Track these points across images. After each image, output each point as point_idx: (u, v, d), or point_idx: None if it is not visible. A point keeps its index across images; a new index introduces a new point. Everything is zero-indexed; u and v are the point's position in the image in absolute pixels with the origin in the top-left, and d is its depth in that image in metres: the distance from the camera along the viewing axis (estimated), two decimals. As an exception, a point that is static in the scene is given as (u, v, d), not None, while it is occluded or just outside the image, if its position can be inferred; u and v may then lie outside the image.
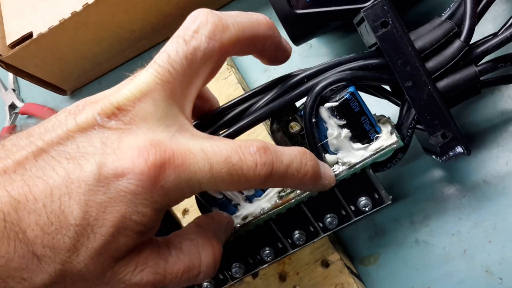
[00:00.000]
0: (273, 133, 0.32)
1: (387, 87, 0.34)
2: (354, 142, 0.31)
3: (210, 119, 0.33)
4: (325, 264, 0.36)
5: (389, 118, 0.33)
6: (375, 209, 0.33)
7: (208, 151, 0.25)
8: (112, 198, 0.23)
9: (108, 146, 0.24)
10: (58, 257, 0.23)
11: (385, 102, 0.36)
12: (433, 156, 0.33)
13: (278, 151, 0.27)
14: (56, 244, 0.23)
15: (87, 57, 0.53)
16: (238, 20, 0.28)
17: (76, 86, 0.58)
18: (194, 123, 0.33)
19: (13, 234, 0.23)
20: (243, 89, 0.44)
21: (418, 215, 0.36)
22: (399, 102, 0.33)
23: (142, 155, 0.24)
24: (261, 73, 0.47)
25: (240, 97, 0.33)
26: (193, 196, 0.41)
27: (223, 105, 0.33)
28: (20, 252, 0.23)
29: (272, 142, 0.40)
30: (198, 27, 0.27)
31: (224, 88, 0.45)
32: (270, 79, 0.33)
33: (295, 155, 0.28)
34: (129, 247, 0.25)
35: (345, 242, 0.38)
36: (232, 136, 0.32)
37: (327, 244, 0.36)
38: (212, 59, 0.27)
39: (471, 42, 0.31)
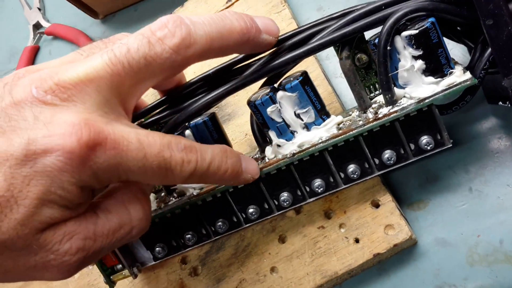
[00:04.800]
0: (342, 60, 0.34)
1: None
2: (426, 75, 0.32)
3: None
4: (375, 205, 0.38)
5: (457, 61, 0.35)
6: (435, 151, 0.34)
7: (143, 142, 0.28)
8: (38, 172, 0.25)
9: (40, 121, 0.26)
10: None
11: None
12: (501, 103, 0.35)
13: (202, 150, 0.31)
14: None
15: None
16: (207, 30, 0.29)
17: (110, 10, 0.58)
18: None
19: None
20: (297, 25, 0.45)
21: (474, 164, 0.38)
22: (472, 45, 0.34)
23: (75, 133, 0.25)
24: (314, 11, 0.48)
25: (311, 23, 0.34)
26: (236, 129, 0.43)
27: (291, 30, 0.34)
28: None
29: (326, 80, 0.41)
30: (164, 36, 0.28)
31: (277, 22, 0.46)
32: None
33: (217, 154, 0.31)
34: (55, 220, 0.26)
35: (395, 186, 0.40)
36: (301, 57, 0.33)
37: (378, 185, 0.38)
38: (170, 69, 0.29)
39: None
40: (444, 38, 0.33)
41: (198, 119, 0.36)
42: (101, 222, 0.29)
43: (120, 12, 0.58)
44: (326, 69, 0.44)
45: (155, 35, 0.28)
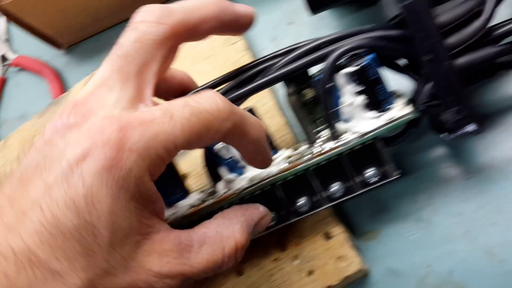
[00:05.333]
0: (288, 96, 0.34)
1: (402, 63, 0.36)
2: (367, 111, 0.33)
3: (219, 82, 0.34)
4: (327, 236, 0.38)
5: (401, 94, 0.35)
6: (382, 182, 0.34)
7: (166, 107, 0.27)
8: (91, 186, 0.24)
9: (70, 143, 0.25)
10: (77, 264, 0.24)
11: (394, 81, 0.38)
12: (442, 135, 0.35)
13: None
14: (69, 253, 0.24)
15: (88, 10, 0.53)
16: (182, 4, 0.30)
17: (73, 41, 0.58)
18: None
19: (26, 260, 0.24)
20: (252, 55, 0.45)
21: (422, 194, 0.38)
22: (416, 77, 0.34)
23: (97, 130, 0.25)
24: (268, 42, 0.48)
25: (255, 61, 0.34)
26: (194, 160, 0.43)
27: (235, 69, 0.34)
28: (40, 276, 0.24)
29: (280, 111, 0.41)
30: (145, 17, 0.29)
31: (231, 54, 0.46)
32: (278, 48, 0.34)
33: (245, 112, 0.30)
34: (138, 224, 0.25)
35: (347, 216, 0.40)
36: (246, 95, 0.33)
37: (330, 217, 0.38)
38: (164, 42, 0.29)
39: (492, 23, 0.32)
40: (387, 70, 0.33)
41: None
42: (195, 252, 0.28)
43: (83, 42, 0.59)
44: (281, 100, 0.44)
45: (137, 20, 0.29)
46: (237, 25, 0.32)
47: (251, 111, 0.33)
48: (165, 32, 0.29)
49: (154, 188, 0.27)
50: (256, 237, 0.36)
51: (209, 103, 0.27)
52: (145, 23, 0.29)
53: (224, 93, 0.33)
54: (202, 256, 0.28)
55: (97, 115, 0.26)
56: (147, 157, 0.25)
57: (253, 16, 0.32)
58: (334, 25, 0.46)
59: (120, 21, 0.57)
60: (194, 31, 0.30)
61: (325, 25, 0.47)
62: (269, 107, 0.42)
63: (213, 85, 0.34)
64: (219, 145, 0.34)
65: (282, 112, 0.43)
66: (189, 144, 0.27)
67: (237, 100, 0.33)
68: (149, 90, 0.29)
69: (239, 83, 0.34)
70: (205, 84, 0.34)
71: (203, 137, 0.27)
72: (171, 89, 0.35)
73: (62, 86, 0.58)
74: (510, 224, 0.35)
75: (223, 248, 0.29)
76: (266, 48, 0.48)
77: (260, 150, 0.30)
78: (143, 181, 0.25)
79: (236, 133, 0.28)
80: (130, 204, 0.25)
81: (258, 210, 0.33)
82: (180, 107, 0.26)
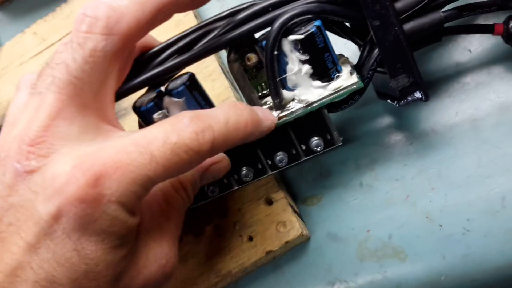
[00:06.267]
0: (229, 63, 0.32)
1: (349, 26, 0.34)
2: (314, 79, 0.31)
3: (160, 49, 0.31)
4: (269, 202, 0.37)
5: (347, 58, 0.33)
6: (326, 150, 0.33)
7: (142, 142, 0.24)
8: (78, 238, 0.23)
9: (37, 192, 0.23)
10: None
11: (341, 44, 0.36)
12: (388, 101, 0.34)
13: (211, 113, 0.27)
14: None
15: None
16: None
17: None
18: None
19: None
20: (195, 17, 0.42)
21: (365, 159, 0.37)
22: (361, 43, 0.33)
23: (69, 182, 0.23)
24: (214, 1, 0.45)
25: (197, 25, 0.31)
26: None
27: (176, 35, 0.31)
28: None
29: (224, 74, 0.39)
30: (89, 27, 0.25)
31: (175, 15, 0.43)
32: (224, 8, 0.32)
33: (228, 110, 0.28)
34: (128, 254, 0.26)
35: (289, 182, 0.39)
36: (185, 64, 0.30)
37: (272, 182, 0.37)
38: (117, 54, 0.26)
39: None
40: (332, 35, 0.32)
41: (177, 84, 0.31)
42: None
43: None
44: (225, 62, 0.42)
45: (81, 32, 0.25)
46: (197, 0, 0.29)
47: (192, 77, 0.31)
48: (117, 44, 0.25)
49: (134, 219, 0.25)
50: (196, 205, 0.35)
51: (190, 137, 0.25)
52: (91, 38, 0.25)
53: (164, 61, 0.31)
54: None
55: (60, 154, 0.24)
56: (128, 202, 0.24)
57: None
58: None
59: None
60: (151, 25, 0.27)
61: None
62: (213, 69, 0.40)
63: (154, 53, 0.31)
64: (159, 114, 0.31)
65: (225, 75, 0.40)
66: (167, 178, 0.25)
67: (177, 69, 0.31)
68: (111, 107, 0.27)
69: (180, 49, 0.31)
70: (145, 53, 0.31)
71: (183, 171, 0.26)
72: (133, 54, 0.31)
73: (-6, 43, 0.53)
74: (450, 189, 0.34)
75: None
76: (211, 8, 0.45)
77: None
78: (125, 220, 0.24)
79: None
80: (116, 242, 0.24)
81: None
82: (160, 146, 0.24)
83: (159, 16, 0.27)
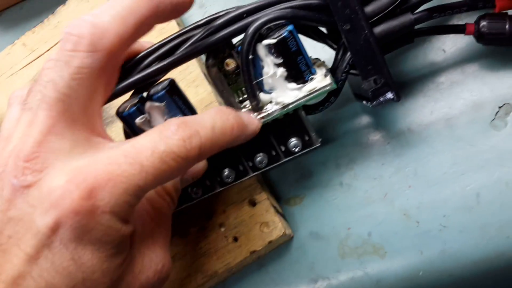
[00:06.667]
0: (208, 68, 0.32)
1: (324, 31, 0.35)
2: (289, 82, 0.32)
3: (143, 56, 0.32)
4: (252, 203, 0.37)
5: (323, 61, 0.34)
6: (304, 151, 0.34)
7: (131, 153, 0.25)
8: (74, 248, 0.24)
9: (34, 206, 0.24)
10: None
11: (319, 47, 0.37)
12: (364, 102, 0.35)
13: (197, 119, 0.28)
14: None
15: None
16: (114, 13, 0.27)
17: (-5, 9, 0.54)
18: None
19: None
20: (177, 24, 0.43)
21: (344, 159, 0.38)
22: (335, 46, 0.34)
23: (64, 195, 0.24)
24: (196, 9, 0.46)
25: (177, 33, 0.32)
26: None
27: (158, 42, 0.32)
28: None
29: (207, 80, 0.40)
30: (74, 45, 0.26)
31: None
32: (206, 15, 0.32)
33: (215, 115, 0.29)
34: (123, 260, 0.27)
35: (272, 183, 0.40)
36: (165, 69, 0.31)
37: (255, 184, 0.37)
38: (102, 69, 0.27)
39: (409, -10, 0.32)
40: (308, 40, 0.33)
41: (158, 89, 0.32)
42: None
43: (5, 11, 0.55)
44: (207, 67, 0.43)
45: (67, 51, 0.26)
46: (178, 9, 0.29)
47: (172, 82, 0.32)
48: (102, 60, 0.26)
49: (128, 228, 0.26)
50: (181, 208, 0.35)
51: (177, 144, 0.26)
52: (76, 56, 0.26)
53: (146, 67, 0.32)
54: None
55: (54, 168, 0.25)
56: (121, 211, 0.25)
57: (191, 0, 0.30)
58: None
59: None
60: (134, 38, 0.28)
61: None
62: (196, 75, 0.41)
63: (137, 60, 0.32)
64: (141, 119, 0.32)
65: (208, 81, 0.41)
66: (157, 185, 0.26)
67: (159, 74, 0.32)
68: (99, 120, 0.28)
69: (161, 56, 0.32)
70: (130, 60, 0.32)
71: (172, 178, 0.27)
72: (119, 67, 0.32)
73: (-17, 54, 0.54)
74: (426, 186, 0.35)
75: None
76: (194, 15, 0.46)
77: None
78: (118, 229, 0.25)
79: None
80: (112, 250, 0.25)
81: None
82: (149, 155, 0.25)
83: (141, 29, 0.28)
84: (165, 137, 0.26)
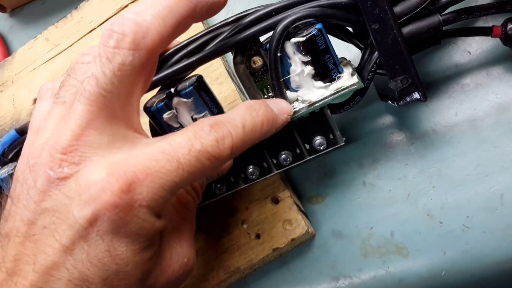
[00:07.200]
0: (235, 65, 0.33)
1: (351, 30, 0.35)
2: (316, 80, 0.32)
3: (172, 52, 0.32)
4: (275, 200, 0.37)
5: (349, 61, 0.34)
6: (328, 149, 0.34)
7: (168, 150, 0.26)
8: (110, 240, 0.24)
9: (72, 198, 0.25)
10: None
11: (344, 47, 0.37)
12: (389, 102, 0.35)
13: (229, 118, 0.28)
14: None
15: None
16: (155, 12, 0.27)
17: (17, 4, 0.55)
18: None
19: None
20: (202, 23, 0.44)
21: (367, 159, 0.38)
22: (362, 46, 0.34)
23: (104, 188, 0.24)
24: (219, 7, 0.46)
25: (206, 30, 0.32)
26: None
27: (186, 39, 0.32)
28: None
29: (230, 78, 0.40)
30: (117, 42, 0.26)
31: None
32: (230, 13, 0.33)
33: (244, 113, 0.29)
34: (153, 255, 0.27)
35: (295, 181, 0.40)
36: (194, 65, 0.31)
37: (278, 181, 0.37)
38: (143, 67, 0.27)
39: (439, -10, 0.32)
40: (335, 39, 0.33)
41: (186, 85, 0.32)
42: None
43: (28, 5, 0.55)
44: (231, 65, 0.43)
45: (110, 47, 0.26)
46: (213, 9, 0.30)
47: (200, 78, 0.32)
48: (143, 58, 0.26)
49: (161, 222, 0.27)
50: (205, 203, 0.36)
51: (212, 145, 0.26)
52: (119, 54, 0.26)
53: (175, 63, 0.32)
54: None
55: (92, 162, 0.25)
56: (156, 206, 0.25)
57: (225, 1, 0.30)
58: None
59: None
60: (172, 37, 0.28)
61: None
62: (219, 73, 0.41)
63: (167, 56, 0.32)
64: (168, 114, 0.32)
65: (232, 78, 0.41)
66: (190, 182, 0.28)
67: (187, 70, 0.32)
68: (136, 115, 0.29)
69: (189, 52, 0.32)
70: (160, 56, 0.32)
71: (204, 176, 0.29)
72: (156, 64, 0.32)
73: (6, 50, 0.55)
74: (450, 187, 0.35)
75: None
76: (218, 14, 0.46)
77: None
78: (153, 223, 0.26)
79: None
80: (145, 243, 0.26)
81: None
82: (186, 153, 0.26)
83: (179, 28, 0.28)
84: (200, 137, 0.26)
